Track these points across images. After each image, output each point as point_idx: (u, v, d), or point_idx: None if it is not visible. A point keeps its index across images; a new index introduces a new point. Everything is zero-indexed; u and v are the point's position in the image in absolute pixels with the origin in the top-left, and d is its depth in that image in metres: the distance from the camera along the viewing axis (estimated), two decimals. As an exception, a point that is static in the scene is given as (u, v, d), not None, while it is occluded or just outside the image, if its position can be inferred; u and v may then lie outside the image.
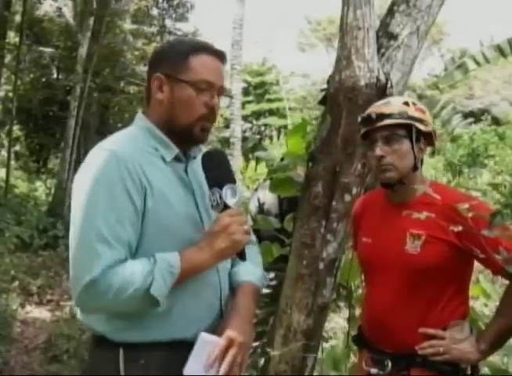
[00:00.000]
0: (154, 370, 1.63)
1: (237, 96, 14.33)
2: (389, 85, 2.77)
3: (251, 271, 1.85)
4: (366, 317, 2.21)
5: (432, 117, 2.11)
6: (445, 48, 26.35)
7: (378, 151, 2.07)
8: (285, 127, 21.92)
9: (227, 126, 18.23)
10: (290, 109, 22.96)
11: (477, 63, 8.38)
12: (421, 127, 2.06)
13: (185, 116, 1.70)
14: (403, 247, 2.05)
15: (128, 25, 14.99)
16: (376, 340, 2.12)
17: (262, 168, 4.23)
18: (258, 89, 27.92)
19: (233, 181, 1.67)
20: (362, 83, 2.75)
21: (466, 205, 1.73)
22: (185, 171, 1.76)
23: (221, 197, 1.62)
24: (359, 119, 2.17)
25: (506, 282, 2.01)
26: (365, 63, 2.76)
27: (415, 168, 2.09)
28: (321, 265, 2.83)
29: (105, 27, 13.02)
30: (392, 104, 2.12)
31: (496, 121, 17.50)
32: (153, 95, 1.73)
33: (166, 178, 1.67)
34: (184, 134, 1.71)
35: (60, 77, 16.43)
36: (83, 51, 12.78)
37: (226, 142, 16.95)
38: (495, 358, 3.39)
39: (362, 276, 2.35)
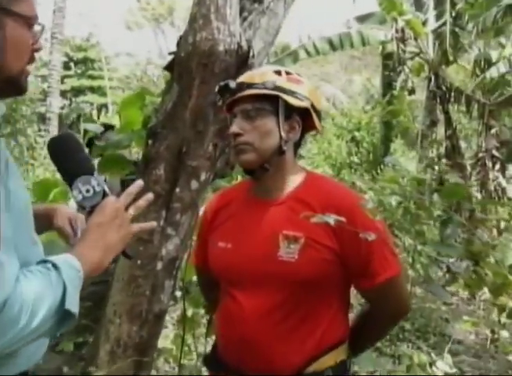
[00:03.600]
0: None
1: (57, 68, 13.07)
2: (251, 54, 2.32)
3: None
4: (224, 337, 1.74)
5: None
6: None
7: (234, 128, 1.63)
8: (105, 106, 20.84)
9: (43, 99, 16.68)
10: (111, 88, 22.03)
11: (308, 53, 8.41)
12: (291, 100, 1.62)
13: (17, 60, 1.28)
14: (276, 252, 1.60)
15: None
16: (237, 365, 1.66)
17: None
18: (80, 65, 26.58)
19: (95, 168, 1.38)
20: (221, 48, 2.26)
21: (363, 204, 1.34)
22: None
23: (99, 184, 1.32)
24: (217, 87, 1.70)
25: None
26: (226, 25, 2.28)
27: (280, 151, 1.66)
28: (159, 266, 2.31)
29: None
30: (259, 72, 1.70)
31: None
32: None
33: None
34: (12, 83, 1.29)
35: None
36: None
37: (41, 117, 15.42)
38: None
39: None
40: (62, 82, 24.21)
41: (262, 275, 1.61)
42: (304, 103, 1.66)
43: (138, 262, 2.29)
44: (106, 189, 1.33)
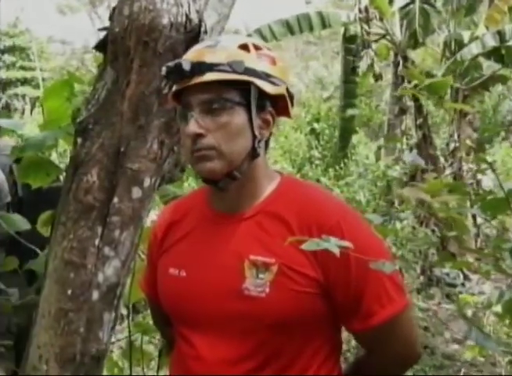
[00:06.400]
0: None
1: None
2: (203, 29, 2.01)
3: None
4: None
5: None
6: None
7: (192, 126, 1.31)
8: (39, 99, 20.41)
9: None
10: (44, 79, 21.51)
11: (264, 38, 8.14)
12: (266, 87, 1.33)
13: None
14: (240, 285, 1.31)
15: None
16: None
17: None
18: (8, 54, 25.88)
19: None
20: (166, 21, 1.94)
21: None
22: None
23: None
24: (163, 70, 1.39)
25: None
26: (170, -8, 1.97)
27: (254, 153, 1.37)
28: (95, 295, 1.98)
29: None
30: (221, 47, 1.36)
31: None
32: None
33: None
34: None
35: None
36: None
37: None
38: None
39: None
40: (-13, 74, 23.40)
41: (224, 315, 1.32)
42: (281, 89, 1.37)
43: (69, 291, 1.96)
44: None
